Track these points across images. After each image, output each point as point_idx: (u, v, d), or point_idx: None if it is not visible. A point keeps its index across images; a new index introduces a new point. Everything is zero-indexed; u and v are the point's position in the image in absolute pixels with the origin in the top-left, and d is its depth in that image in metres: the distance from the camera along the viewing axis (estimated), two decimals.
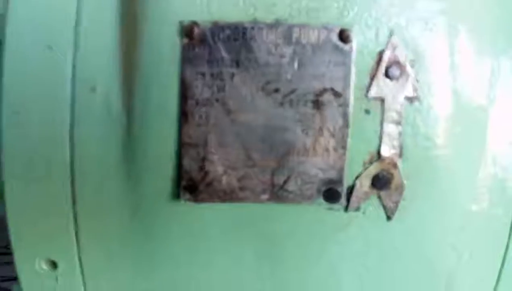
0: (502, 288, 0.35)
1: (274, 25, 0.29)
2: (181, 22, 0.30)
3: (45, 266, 0.36)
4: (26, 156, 0.33)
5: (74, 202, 0.33)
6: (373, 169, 0.31)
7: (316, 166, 0.31)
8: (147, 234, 0.33)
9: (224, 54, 0.30)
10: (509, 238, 0.33)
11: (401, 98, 0.30)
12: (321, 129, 0.30)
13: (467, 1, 0.31)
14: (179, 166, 0.31)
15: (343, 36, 0.29)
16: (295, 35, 0.29)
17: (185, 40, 0.30)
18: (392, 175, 0.31)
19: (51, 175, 0.33)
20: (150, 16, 0.31)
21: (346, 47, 0.29)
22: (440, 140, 0.31)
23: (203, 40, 0.29)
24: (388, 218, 0.32)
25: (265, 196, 0.31)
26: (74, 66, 0.32)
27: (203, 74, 0.30)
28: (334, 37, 0.29)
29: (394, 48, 0.29)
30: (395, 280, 0.34)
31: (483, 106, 0.31)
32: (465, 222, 0.33)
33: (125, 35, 0.32)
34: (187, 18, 0.30)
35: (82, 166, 0.32)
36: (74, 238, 0.34)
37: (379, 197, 0.32)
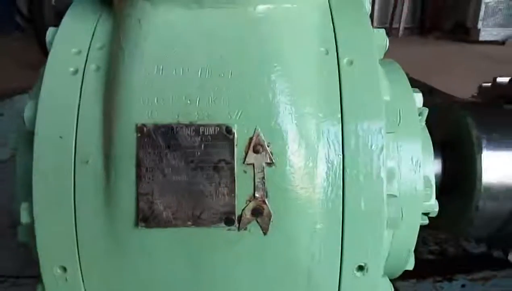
0: (344, 279, 0.55)
1: (189, 125, 0.52)
2: (136, 124, 0.52)
3: (59, 270, 0.56)
4: (52, 207, 0.54)
5: (76, 228, 0.54)
6: (252, 205, 0.52)
7: (218, 204, 0.52)
8: (121, 250, 0.55)
9: (161, 142, 0.52)
10: (342, 244, 0.54)
11: (263, 163, 0.52)
12: (219, 183, 0.52)
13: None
14: (137, 206, 0.52)
15: (228, 130, 0.51)
16: (201, 130, 0.52)
17: (139, 134, 0.52)
18: (263, 208, 0.52)
19: (63, 214, 0.55)
20: (119, 119, 0.53)
21: (230, 136, 0.51)
22: (290, 187, 0.52)
23: (149, 135, 0.52)
24: (264, 233, 0.53)
25: (189, 223, 0.53)
26: (75, 148, 0.54)
27: (149, 153, 0.52)
28: (224, 131, 0.51)
29: (257, 136, 0.51)
30: (275, 276, 0.55)
31: (314, 161, 0.53)
32: (313, 235, 0.54)
33: (105, 127, 0.54)
34: (139, 121, 0.52)
35: (81, 207, 0.54)
36: (76, 252, 0.55)
37: (257, 221, 0.53)
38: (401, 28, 6.74)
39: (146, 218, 0.52)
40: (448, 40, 6.06)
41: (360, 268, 0.55)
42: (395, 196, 0.56)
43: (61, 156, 0.54)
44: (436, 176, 0.82)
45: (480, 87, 0.89)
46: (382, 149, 0.53)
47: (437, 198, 0.72)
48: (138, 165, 0.52)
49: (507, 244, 0.83)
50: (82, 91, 0.55)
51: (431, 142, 0.73)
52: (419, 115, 0.72)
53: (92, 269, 0.56)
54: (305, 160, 0.52)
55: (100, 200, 0.54)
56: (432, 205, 0.71)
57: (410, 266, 0.71)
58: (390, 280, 0.75)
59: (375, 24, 6.89)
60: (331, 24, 0.59)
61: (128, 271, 0.55)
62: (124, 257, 0.55)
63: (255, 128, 0.51)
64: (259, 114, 0.52)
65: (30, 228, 0.56)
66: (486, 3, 5.63)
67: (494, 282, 1.15)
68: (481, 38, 5.72)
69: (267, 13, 0.55)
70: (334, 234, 0.54)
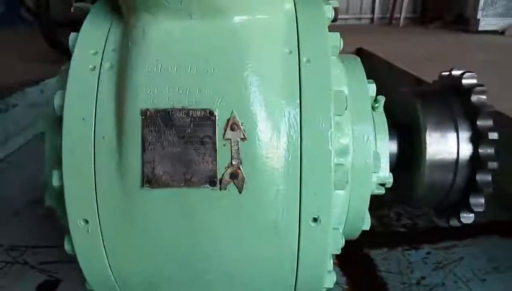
0: (302, 228, 0.72)
1: (181, 109, 0.68)
2: (141, 109, 0.68)
3: (82, 223, 0.73)
4: (77, 172, 0.71)
5: (95, 188, 0.71)
6: (230, 170, 0.69)
7: (204, 169, 0.69)
8: (130, 206, 0.71)
9: (160, 122, 0.68)
10: (300, 200, 0.70)
11: (238, 139, 0.68)
12: (204, 153, 0.68)
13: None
14: (142, 172, 0.69)
15: (211, 113, 0.67)
16: (191, 113, 0.68)
17: (143, 117, 0.68)
18: (238, 173, 0.69)
19: (85, 177, 0.71)
20: (128, 105, 0.69)
21: (213, 118, 0.67)
22: (259, 156, 0.68)
23: (150, 117, 0.68)
24: (240, 192, 0.69)
25: (182, 184, 0.69)
26: (94, 127, 0.70)
27: (151, 131, 0.68)
28: (208, 114, 0.67)
29: (233, 117, 0.67)
30: (248, 225, 0.71)
31: (277, 137, 0.69)
32: (277, 193, 0.70)
33: (117, 111, 0.70)
34: (144, 106, 0.68)
35: (99, 172, 0.71)
36: (96, 208, 0.72)
37: (234, 183, 0.69)
38: (402, 18, 6.82)
39: (149, 180, 0.69)
40: (448, 31, 6.13)
41: (315, 219, 0.71)
42: (342, 165, 0.72)
43: (84, 134, 0.70)
44: (393, 153, 0.98)
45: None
46: (330, 127, 0.69)
47: (394, 172, 0.88)
48: (143, 140, 0.68)
49: (449, 213, 0.98)
50: (99, 84, 0.71)
51: (386, 125, 0.89)
52: (376, 102, 0.89)
53: (108, 221, 0.73)
54: (271, 135, 0.68)
55: (114, 167, 0.70)
56: (386, 177, 0.88)
57: (366, 226, 0.87)
58: (355, 241, 0.92)
59: (376, 14, 6.99)
60: (296, 30, 0.75)
61: (136, 222, 0.72)
62: (132, 211, 0.71)
63: (232, 112, 0.67)
64: (235, 101, 0.68)
65: (59, 191, 0.73)
66: None
67: (455, 250, 1.31)
68: (480, 28, 5.79)
69: (243, 23, 0.70)
70: (293, 193, 0.70)
